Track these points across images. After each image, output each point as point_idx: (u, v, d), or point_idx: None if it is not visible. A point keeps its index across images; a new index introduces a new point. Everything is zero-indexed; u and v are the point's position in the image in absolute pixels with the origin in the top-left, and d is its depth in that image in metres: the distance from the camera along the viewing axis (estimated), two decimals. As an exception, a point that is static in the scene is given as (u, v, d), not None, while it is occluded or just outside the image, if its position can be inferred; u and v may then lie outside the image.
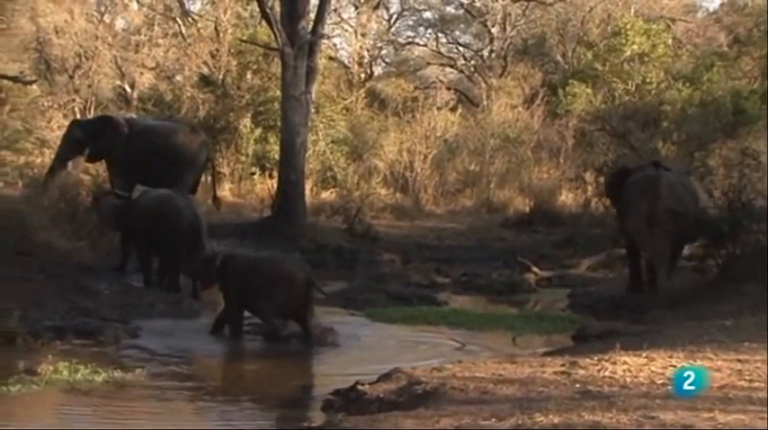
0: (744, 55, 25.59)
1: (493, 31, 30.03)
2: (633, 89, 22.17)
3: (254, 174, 21.11)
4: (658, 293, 11.72)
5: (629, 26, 23.40)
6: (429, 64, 31.97)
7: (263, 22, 19.17)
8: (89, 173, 16.20)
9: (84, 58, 22.95)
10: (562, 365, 6.74)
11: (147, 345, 9.41)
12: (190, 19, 25.79)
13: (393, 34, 32.41)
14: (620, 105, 21.76)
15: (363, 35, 30.04)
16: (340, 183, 20.92)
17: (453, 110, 26.52)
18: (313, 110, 18.76)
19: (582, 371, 6.51)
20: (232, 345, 9.79)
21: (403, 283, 13.89)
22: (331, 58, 26.03)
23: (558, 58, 28.98)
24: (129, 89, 24.41)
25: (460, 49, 32.47)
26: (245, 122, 21.51)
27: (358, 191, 19.91)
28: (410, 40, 32.82)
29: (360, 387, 6.88)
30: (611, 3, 28.56)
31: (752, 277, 10.99)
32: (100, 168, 15.96)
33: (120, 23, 26.51)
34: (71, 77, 22.78)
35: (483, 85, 28.12)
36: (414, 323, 11.15)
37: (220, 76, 22.84)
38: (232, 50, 22.97)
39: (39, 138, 18.30)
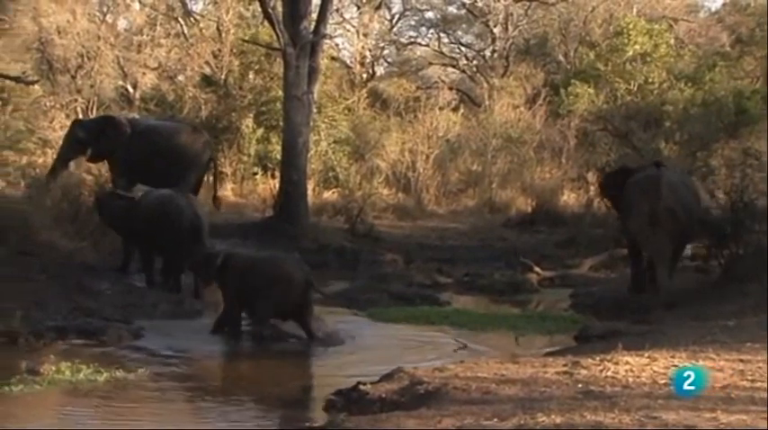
0: (746, 55, 25.61)
1: (495, 30, 30.04)
2: (635, 89, 22.18)
3: (256, 174, 21.11)
4: (659, 293, 11.72)
5: (631, 26, 23.38)
6: (431, 64, 31.98)
7: (266, 22, 19.17)
8: (91, 173, 16.21)
9: (86, 59, 22.95)
10: (564, 365, 6.74)
11: (149, 345, 9.42)
12: (192, 19, 25.80)
13: (395, 34, 32.44)
14: (622, 105, 21.76)
15: (365, 35, 30.05)
16: (342, 183, 20.92)
17: (455, 110, 26.53)
18: (315, 110, 18.76)
19: (584, 372, 6.51)
20: (234, 346, 9.79)
21: (405, 283, 13.89)
22: (333, 58, 26.03)
23: (561, 57, 28.98)
24: (131, 89, 24.41)
25: (462, 49, 32.51)
26: (248, 122, 21.51)
27: (360, 191, 19.91)
28: (412, 40, 32.87)
29: (362, 387, 6.88)
30: (613, 2, 28.56)
31: (754, 277, 10.99)
32: (102, 168, 15.96)
33: (122, 23, 26.54)
34: (73, 77, 22.77)
35: (485, 84, 28.13)
36: (416, 323, 11.16)
37: (222, 76, 22.86)
38: (234, 50, 22.98)
39: (41, 138, 18.32)
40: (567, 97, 23.14)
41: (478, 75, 30.41)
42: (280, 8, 17.47)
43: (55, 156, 15.61)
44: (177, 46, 25.35)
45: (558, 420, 5.22)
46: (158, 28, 25.47)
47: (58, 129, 18.80)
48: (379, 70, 32.26)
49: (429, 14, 32.68)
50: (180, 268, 11.75)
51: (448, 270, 15.38)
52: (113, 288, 11.59)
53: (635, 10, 28.00)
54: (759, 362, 6.63)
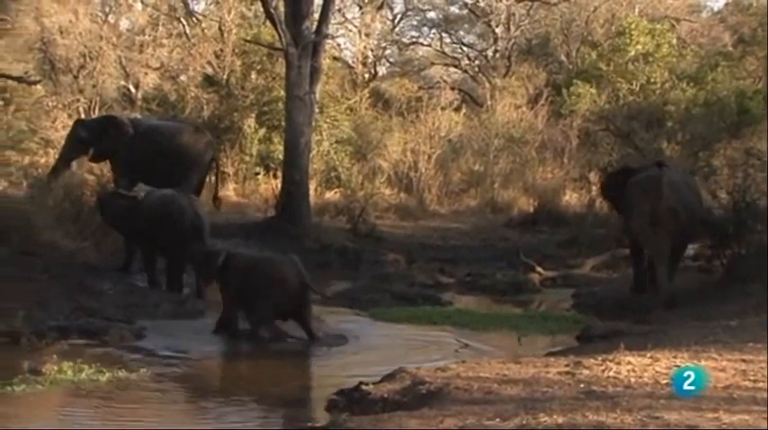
0: (748, 55, 25.61)
1: (497, 30, 30.06)
2: (637, 89, 22.16)
3: (258, 174, 21.12)
4: (659, 293, 11.72)
5: (633, 26, 23.39)
6: (433, 64, 31.99)
7: (268, 22, 19.17)
8: (93, 173, 16.22)
9: (88, 59, 22.98)
10: (566, 365, 6.74)
11: (151, 346, 9.42)
12: (194, 19, 25.81)
13: (397, 34, 32.45)
14: (624, 105, 21.75)
15: (367, 35, 30.07)
16: (344, 183, 20.92)
17: (457, 110, 26.52)
18: (317, 110, 18.75)
19: (586, 372, 6.51)
20: (236, 346, 9.79)
21: (407, 283, 13.89)
22: (335, 58, 26.05)
23: (563, 57, 28.98)
24: (133, 89, 24.44)
25: (464, 49, 32.52)
26: (250, 122, 21.51)
27: (362, 191, 19.91)
28: (414, 40, 32.87)
29: (364, 387, 6.88)
30: (615, 2, 28.56)
31: (756, 277, 10.98)
32: (104, 168, 15.98)
33: (124, 24, 26.59)
34: (75, 77, 22.80)
35: (487, 84, 28.13)
36: (418, 323, 11.15)
37: (224, 76, 22.86)
38: (236, 50, 22.99)
39: (43, 138, 18.27)
40: (569, 97, 23.14)
41: (480, 75, 30.42)
42: (282, 8, 17.47)
43: (57, 156, 15.62)
44: (179, 46, 25.38)
45: (560, 420, 5.22)
46: (160, 28, 25.51)
47: (60, 129, 18.79)
48: (381, 70, 32.29)
49: (431, 14, 32.75)
50: (182, 268, 11.77)
51: (450, 270, 15.38)
52: (115, 288, 11.59)
53: (637, 10, 28.00)
54: (761, 362, 6.62)
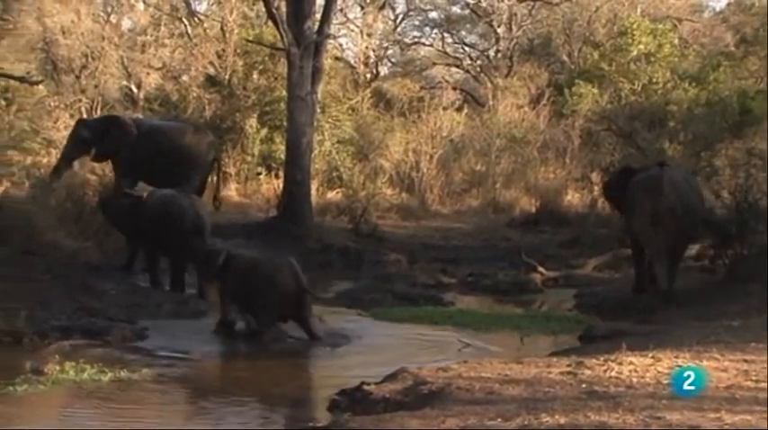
0: (750, 55, 25.55)
1: (499, 31, 30.03)
2: (639, 89, 22.13)
3: (259, 174, 21.12)
4: (659, 292, 11.72)
5: (635, 26, 23.37)
6: (435, 64, 31.96)
7: (269, 23, 19.15)
8: (95, 173, 16.21)
9: (90, 59, 22.98)
10: (568, 365, 6.74)
11: (153, 346, 9.43)
12: (196, 19, 25.79)
13: (399, 34, 32.41)
14: (626, 105, 21.72)
15: (369, 35, 30.05)
16: (346, 184, 20.90)
17: (459, 110, 26.47)
18: (319, 110, 18.75)
19: (588, 372, 6.51)
20: (237, 346, 9.80)
21: (409, 283, 13.89)
22: (337, 58, 26.04)
23: (565, 57, 28.95)
24: (135, 89, 24.43)
25: (466, 49, 32.48)
26: (251, 122, 21.51)
27: (364, 191, 19.88)
28: (416, 40, 32.83)
29: (365, 387, 6.89)
30: (617, 2, 28.52)
31: (758, 278, 10.98)
32: (106, 168, 15.97)
33: (126, 24, 26.56)
34: (77, 78, 22.80)
35: (489, 84, 28.08)
36: (420, 323, 11.15)
37: (226, 77, 22.85)
38: (238, 50, 22.99)
39: (45, 138, 18.29)
40: (571, 97, 23.12)
41: (482, 75, 30.37)
42: (284, 8, 17.46)
43: (59, 156, 15.63)
44: (181, 46, 25.36)
45: (562, 420, 5.22)
46: (162, 28, 25.48)
47: (62, 129, 18.79)
48: (383, 70, 32.24)
49: (433, 14, 32.70)
50: (184, 268, 11.78)
51: (452, 270, 15.37)
52: (117, 288, 11.60)
53: (639, 10, 27.96)
54: (763, 362, 6.62)
